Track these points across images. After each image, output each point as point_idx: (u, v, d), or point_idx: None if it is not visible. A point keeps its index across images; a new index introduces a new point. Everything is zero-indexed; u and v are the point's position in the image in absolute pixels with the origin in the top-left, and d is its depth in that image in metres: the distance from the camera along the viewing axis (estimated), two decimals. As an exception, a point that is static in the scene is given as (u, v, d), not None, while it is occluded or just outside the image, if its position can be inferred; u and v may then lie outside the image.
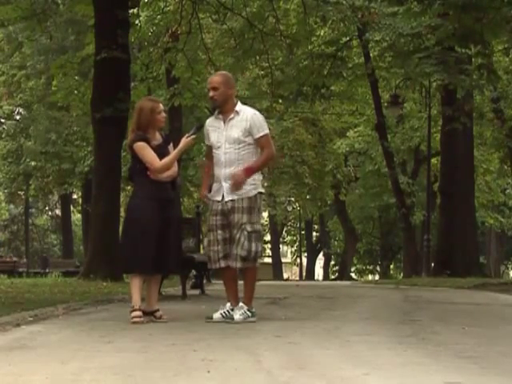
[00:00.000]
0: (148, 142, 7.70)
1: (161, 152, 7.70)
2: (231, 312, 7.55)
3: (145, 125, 7.72)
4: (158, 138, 7.80)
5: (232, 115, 7.71)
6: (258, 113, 7.89)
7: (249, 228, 7.55)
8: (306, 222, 51.13)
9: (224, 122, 7.72)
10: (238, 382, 4.40)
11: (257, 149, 7.72)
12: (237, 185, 7.58)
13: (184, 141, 7.79)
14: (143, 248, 7.53)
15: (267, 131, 7.79)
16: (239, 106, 7.79)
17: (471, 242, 24.81)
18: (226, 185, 7.62)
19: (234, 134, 7.64)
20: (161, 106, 7.90)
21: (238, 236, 7.55)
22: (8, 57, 35.18)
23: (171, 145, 7.90)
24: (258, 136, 7.67)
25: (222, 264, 7.62)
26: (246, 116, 7.70)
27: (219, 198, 7.65)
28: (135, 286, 7.65)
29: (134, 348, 5.72)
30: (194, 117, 30.76)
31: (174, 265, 7.91)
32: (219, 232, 7.62)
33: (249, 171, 7.61)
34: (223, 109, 7.74)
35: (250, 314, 7.55)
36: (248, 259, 7.56)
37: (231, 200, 7.59)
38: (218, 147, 7.69)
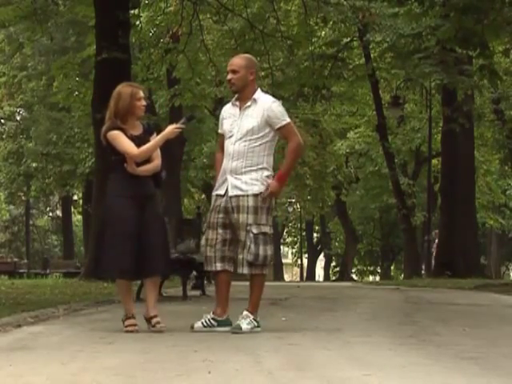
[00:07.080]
0: (124, 132, 6.94)
1: (141, 143, 6.92)
2: (212, 321, 6.90)
3: (122, 112, 6.98)
4: (138, 129, 7.03)
5: (249, 103, 6.98)
6: (277, 101, 7.14)
7: (255, 230, 6.83)
8: (306, 223, 51.11)
9: (240, 110, 7.02)
10: (239, 382, 4.40)
11: (271, 143, 7.00)
12: (271, 196, 6.93)
13: (170, 128, 7.06)
14: (120, 251, 6.78)
15: (289, 120, 7.03)
16: (258, 94, 7.05)
17: (472, 243, 24.84)
18: (231, 179, 6.90)
19: (249, 124, 6.91)
20: (141, 92, 7.10)
21: (243, 239, 6.84)
22: (9, 58, 35.17)
23: (155, 135, 7.08)
24: (279, 126, 6.93)
25: (219, 267, 6.91)
26: (264, 105, 6.96)
27: (222, 192, 6.94)
28: (121, 292, 7.07)
29: (135, 349, 5.72)
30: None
31: (162, 265, 7.06)
32: (220, 231, 6.92)
33: (281, 178, 6.98)
34: (241, 95, 7.01)
35: (256, 323, 6.84)
36: (255, 264, 6.85)
37: (235, 196, 6.87)
38: (230, 137, 6.98)
